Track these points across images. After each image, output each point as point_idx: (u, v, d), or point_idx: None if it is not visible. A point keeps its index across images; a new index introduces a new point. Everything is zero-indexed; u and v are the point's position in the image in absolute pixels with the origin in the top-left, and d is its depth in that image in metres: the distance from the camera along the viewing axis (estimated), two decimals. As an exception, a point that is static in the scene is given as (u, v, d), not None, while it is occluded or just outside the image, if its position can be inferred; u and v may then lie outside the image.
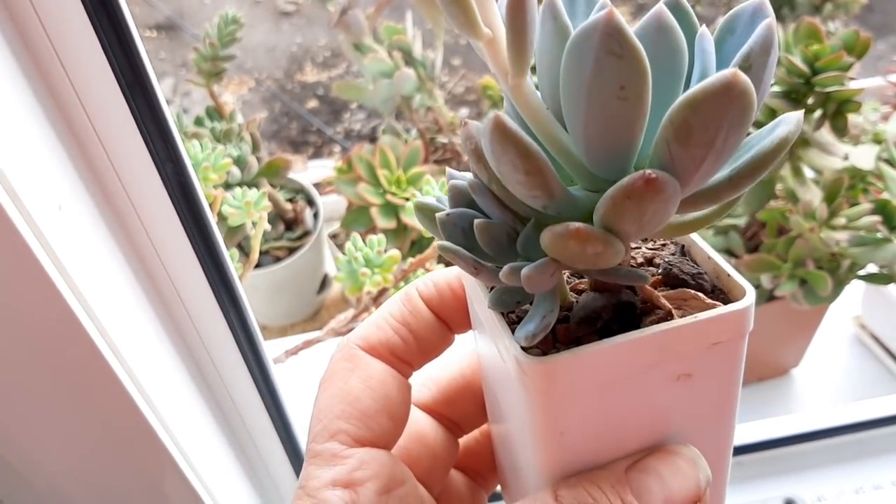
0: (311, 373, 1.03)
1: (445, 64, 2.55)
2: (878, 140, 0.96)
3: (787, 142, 0.28)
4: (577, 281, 0.36)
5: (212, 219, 0.53)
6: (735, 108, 0.25)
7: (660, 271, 0.36)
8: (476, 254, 0.32)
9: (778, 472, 0.87)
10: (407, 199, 1.23)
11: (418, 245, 1.24)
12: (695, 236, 0.36)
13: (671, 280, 0.35)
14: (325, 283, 1.43)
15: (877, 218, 0.86)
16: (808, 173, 0.93)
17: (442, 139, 1.34)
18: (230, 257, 0.88)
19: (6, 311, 0.40)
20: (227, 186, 1.17)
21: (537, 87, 0.31)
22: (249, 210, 0.88)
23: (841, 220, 0.86)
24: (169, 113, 0.47)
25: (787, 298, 0.91)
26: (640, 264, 0.37)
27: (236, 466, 0.69)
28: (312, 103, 2.60)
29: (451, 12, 0.28)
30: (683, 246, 0.37)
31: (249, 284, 1.23)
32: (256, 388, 0.66)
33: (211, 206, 0.88)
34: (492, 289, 0.34)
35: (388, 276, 0.80)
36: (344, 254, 1.30)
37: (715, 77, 0.25)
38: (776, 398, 1.09)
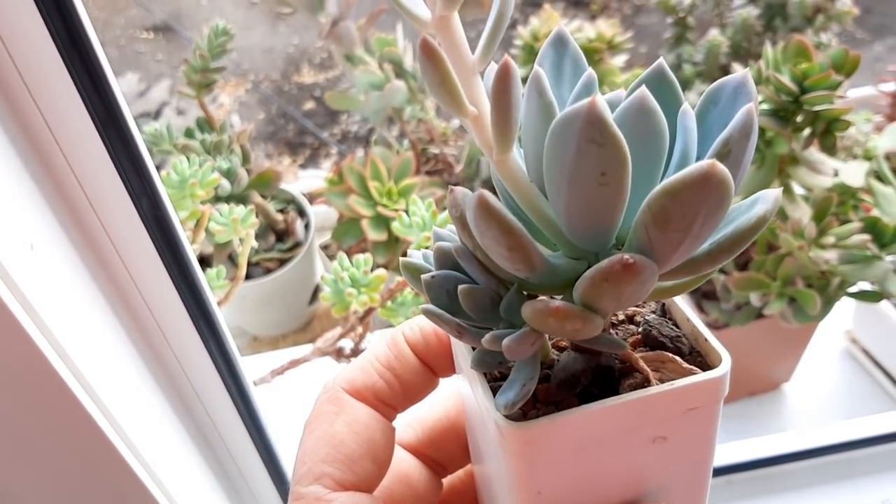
0: (297, 393, 1.03)
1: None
2: (868, 156, 0.96)
3: (765, 220, 0.29)
4: (559, 338, 0.37)
5: (189, 250, 0.53)
6: (713, 196, 0.26)
7: (639, 330, 0.36)
8: (460, 315, 0.33)
9: (768, 492, 0.87)
10: (398, 211, 1.22)
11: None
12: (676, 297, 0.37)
13: (650, 341, 0.36)
14: (316, 293, 1.42)
15: (866, 237, 0.85)
16: (798, 189, 0.93)
17: (433, 150, 1.34)
18: (217, 274, 0.88)
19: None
20: (218, 199, 1.17)
21: (523, 155, 0.32)
22: (236, 227, 0.88)
23: (830, 239, 0.85)
24: (144, 148, 0.47)
25: (776, 317, 0.90)
26: (622, 321, 0.37)
27: (220, 492, 0.68)
28: (309, 105, 2.60)
29: (438, 93, 0.28)
30: (664, 304, 0.38)
31: (240, 296, 1.23)
32: (238, 414, 0.66)
33: (198, 222, 0.88)
34: (475, 347, 0.34)
35: (375, 295, 0.80)
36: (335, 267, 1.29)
37: (693, 167, 0.25)
38: (768, 413, 1.09)
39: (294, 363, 0.83)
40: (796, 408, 1.09)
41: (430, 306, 0.34)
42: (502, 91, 0.28)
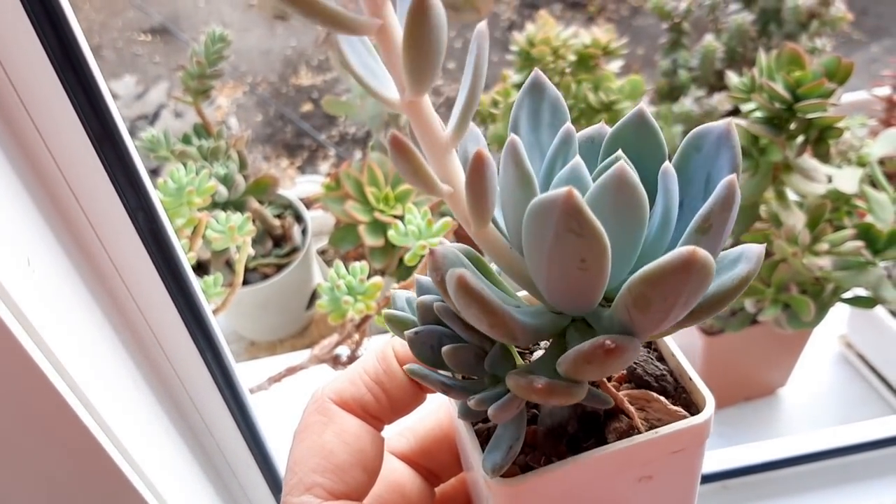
0: (294, 400, 1.03)
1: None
2: (862, 163, 0.97)
3: (748, 280, 0.30)
4: None
5: (185, 261, 0.53)
6: (693, 282, 0.26)
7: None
8: (445, 368, 0.34)
9: (764, 497, 0.87)
10: (395, 217, 1.23)
11: (405, 266, 1.24)
12: None
13: (635, 378, 0.37)
14: (313, 298, 1.43)
15: (859, 243, 0.86)
16: (792, 195, 0.93)
17: (430, 155, 1.34)
18: (215, 281, 0.89)
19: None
20: (215, 205, 1.17)
21: (502, 216, 0.33)
22: (233, 235, 0.88)
23: (824, 246, 0.86)
24: (140, 162, 0.47)
25: (771, 323, 0.91)
26: None
27: (216, 501, 0.69)
28: (307, 107, 2.60)
29: (412, 182, 0.29)
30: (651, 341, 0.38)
31: (238, 301, 1.23)
32: (234, 422, 0.66)
33: (195, 230, 0.88)
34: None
35: (371, 303, 0.80)
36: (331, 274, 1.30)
37: (674, 255, 0.26)
38: (763, 418, 1.09)
39: (291, 370, 0.84)
40: (792, 412, 1.10)
41: (414, 366, 0.35)
42: (476, 181, 0.28)
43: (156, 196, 0.49)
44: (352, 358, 0.84)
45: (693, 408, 0.35)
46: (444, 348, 0.33)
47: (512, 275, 0.32)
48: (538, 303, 0.33)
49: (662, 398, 0.35)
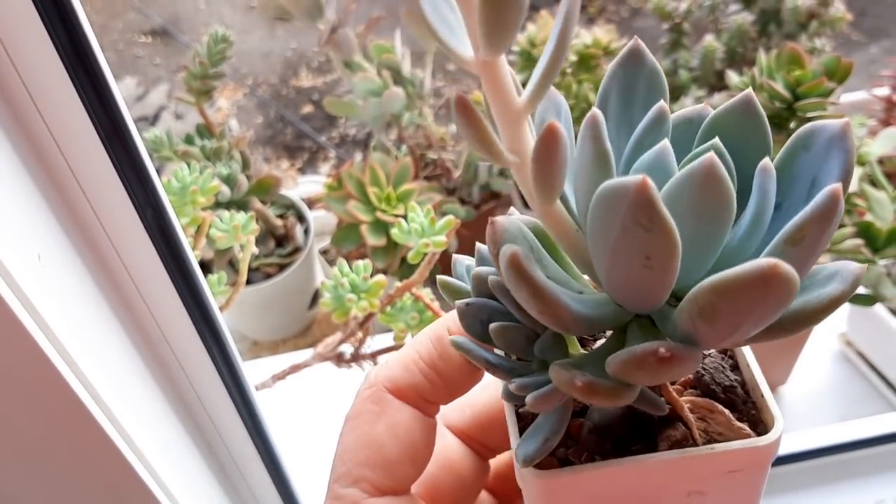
0: (298, 397, 1.04)
1: (440, 69, 2.56)
2: (861, 161, 0.97)
3: (839, 301, 0.27)
4: None
5: (192, 258, 0.54)
6: (770, 300, 0.24)
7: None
8: (493, 343, 0.32)
9: (765, 493, 0.88)
10: (397, 217, 1.23)
11: (407, 262, 1.25)
12: None
13: (702, 386, 0.34)
14: (316, 298, 1.43)
15: (859, 241, 0.86)
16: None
17: (432, 155, 1.35)
18: (219, 280, 0.89)
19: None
20: (218, 205, 1.18)
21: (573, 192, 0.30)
22: (237, 233, 0.89)
23: (824, 244, 0.86)
24: (148, 159, 0.48)
25: (771, 320, 0.91)
26: None
27: (222, 497, 0.69)
28: (308, 108, 2.60)
29: (474, 145, 0.27)
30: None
31: (240, 301, 1.24)
32: (240, 418, 0.67)
33: (199, 229, 0.89)
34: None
35: (375, 301, 0.81)
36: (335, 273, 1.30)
37: (751, 266, 0.23)
38: (763, 416, 1.10)
39: (295, 368, 0.84)
40: (792, 410, 1.10)
41: (460, 339, 0.33)
42: (544, 154, 0.26)
43: (164, 193, 0.49)
44: (356, 356, 0.84)
45: (760, 426, 0.32)
46: (493, 326, 0.31)
47: (575, 259, 0.30)
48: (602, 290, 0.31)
49: (727, 411, 0.32)
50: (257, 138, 2.48)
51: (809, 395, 1.12)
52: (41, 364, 0.41)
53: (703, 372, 0.34)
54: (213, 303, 0.58)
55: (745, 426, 0.32)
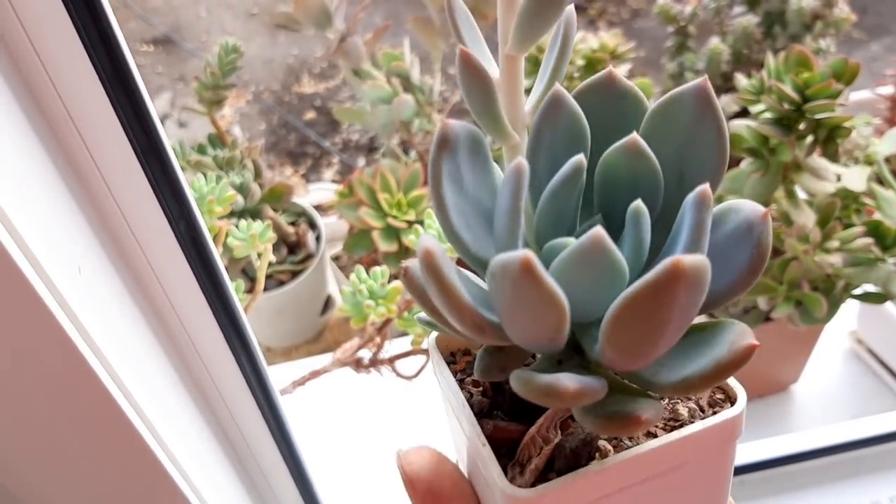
0: (318, 403, 1.05)
1: (444, 74, 2.57)
2: (869, 161, 0.98)
3: (745, 357, 0.29)
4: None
5: (223, 269, 0.55)
6: (662, 308, 0.26)
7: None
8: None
9: (778, 491, 0.89)
10: (408, 223, 1.24)
11: (420, 268, 1.26)
12: None
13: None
14: (328, 304, 1.44)
15: (869, 240, 0.87)
16: (802, 194, 0.95)
17: (441, 161, 1.35)
18: (236, 288, 0.90)
19: (29, 375, 0.42)
20: (231, 214, 1.19)
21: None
22: (255, 242, 0.90)
23: (834, 243, 0.87)
24: (181, 173, 0.49)
25: (784, 320, 0.92)
26: None
27: (247, 499, 0.70)
28: (310, 114, 2.62)
29: (480, 116, 0.30)
30: None
31: (254, 308, 1.25)
32: (265, 421, 0.68)
33: (215, 237, 0.90)
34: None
35: (392, 306, 0.82)
36: (347, 276, 1.31)
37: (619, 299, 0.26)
38: (777, 414, 1.11)
39: (315, 374, 0.85)
40: (804, 408, 1.11)
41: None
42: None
43: (195, 205, 0.51)
44: (374, 361, 0.86)
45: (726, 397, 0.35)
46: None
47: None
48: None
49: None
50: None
51: (821, 392, 1.13)
52: (83, 372, 0.42)
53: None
54: (241, 310, 0.59)
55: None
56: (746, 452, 0.90)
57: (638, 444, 0.33)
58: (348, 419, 1.12)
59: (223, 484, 0.63)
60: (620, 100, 0.32)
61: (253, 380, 0.62)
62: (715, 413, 0.34)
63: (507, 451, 0.35)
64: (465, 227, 0.31)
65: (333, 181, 2.30)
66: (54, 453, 0.48)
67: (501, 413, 0.36)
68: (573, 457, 0.33)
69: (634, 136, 0.30)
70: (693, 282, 0.25)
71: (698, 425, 0.32)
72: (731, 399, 0.35)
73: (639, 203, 0.29)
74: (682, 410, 0.35)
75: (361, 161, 2.40)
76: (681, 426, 0.34)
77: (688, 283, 0.25)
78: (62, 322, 0.40)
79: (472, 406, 0.36)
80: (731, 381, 0.35)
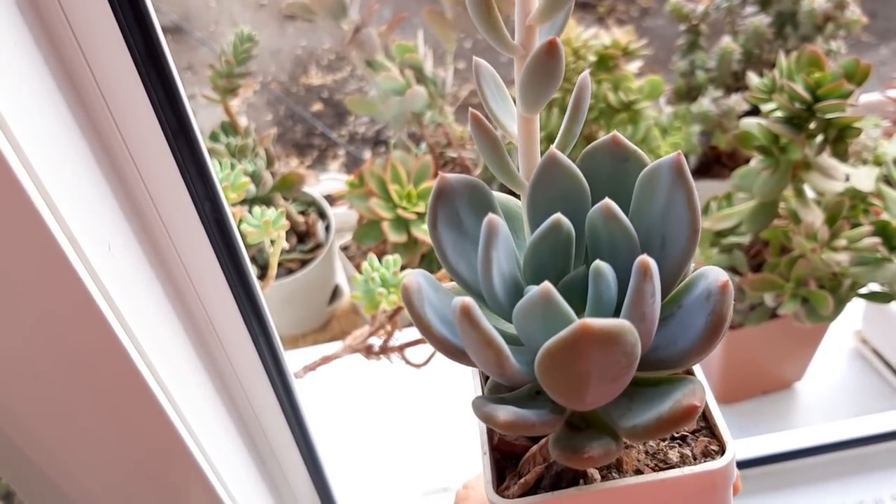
0: (329, 388, 1.06)
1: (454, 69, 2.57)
2: (878, 162, 0.99)
3: (690, 415, 0.32)
4: None
5: (244, 251, 0.56)
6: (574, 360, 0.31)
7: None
8: None
9: (781, 487, 0.90)
10: (417, 214, 1.25)
11: (428, 259, 1.27)
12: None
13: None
14: (335, 293, 1.45)
15: (877, 240, 0.88)
16: (810, 193, 0.96)
17: (451, 153, 1.37)
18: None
19: (60, 344, 0.43)
20: (243, 202, 1.20)
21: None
22: (268, 229, 0.91)
23: (842, 242, 0.88)
24: (207, 155, 0.50)
25: (790, 317, 0.93)
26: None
27: (259, 480, 0.71)
28: (317, 106, 2.62)
29: (490, 158, 0.36)
30: None
31: (265, 294, 1.26)
32: (279, 404, 0.69)
33: (230, 224, 0.91)
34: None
35: (404, 295, 0.83)
36: (356, 266, 1.32)
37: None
38: (780, 411, 1.12)
39: (326, 359, 0.86)
40: (808, 406, 1.12)
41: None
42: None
43: (220, 187, 0.52)
44: (384, 348, 0.87)
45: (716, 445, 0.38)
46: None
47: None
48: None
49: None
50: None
51: (825, 391, 1.14)
52: (109, 342, 0.43)
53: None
54: (261, 293, 0.60)
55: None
56: (749, 448, 0.91)
57: (623, 477, 0.37)
58: (358, 405, 1.13)
59: (235, 461, 0.64)
60: (624, 162, 0.36)
61: (269, 361, 0.63)
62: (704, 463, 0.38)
63: (514, 463, 0.39)
64: (462, 263, 0.37)
65: (343, 170, 2.31)
66: (75, 418, 0.49)
67: None
68: (557, 478, 0.37)
69: (607, 201, 0.34)
70: (604, 342, 0.29)
71: (676, 471, 0.36)
72: (723, 452, 0.38)
73: (597, 264, 0.33)
74: (673, 456, 0.38)
75: (367, 154, 2.41)
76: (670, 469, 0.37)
77: (598, 342, 0.29)
78: (93, 294, 0.41)
79: None
80: (726, 436, 0.38)
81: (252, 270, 0.91)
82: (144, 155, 0.48)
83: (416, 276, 0.35)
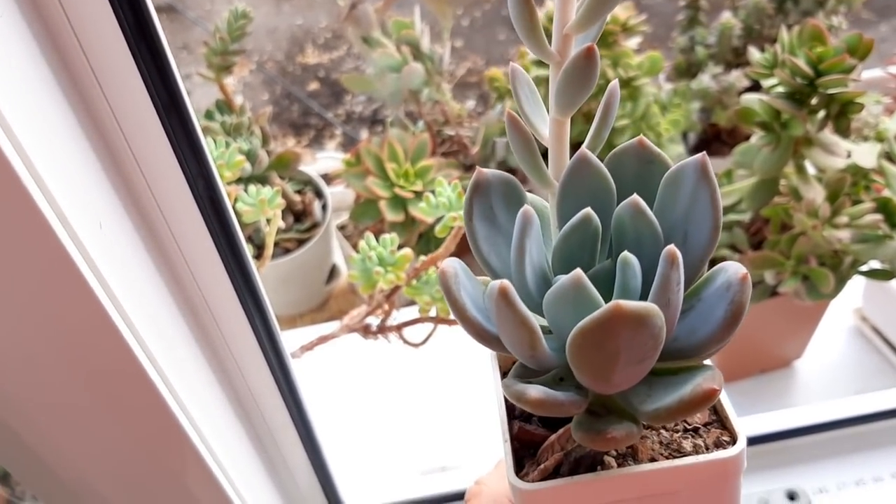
0: (326, 368, 1.05)
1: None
2: (880, 138, 0.98)
3: (710, 397, 0.34)
4: None
5: (239, 230, 0.55)
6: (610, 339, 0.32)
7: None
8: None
9: (780, 465, 0.89)
10: (415, 193, 1.24)
11: (426, 238, 1.26)
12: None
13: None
14: (333, 273, 1.45)
15: (878, 216, 0.87)
16: (811, 170, 0.95)
17: (449, 131, 1.36)
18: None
19: (52, 324, 0.42)
20: (238, 180, 1.19)
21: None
22: (264, 207, 0.90)
23: (843, 219, 0.88)
24: (200, 132, 0.49)
25: (790, 295, 0.93)
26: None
27: (256, 460, 0.71)
28: (314, 85, 2.61)
29: (525, 165, 0.38)
30: None
31: (261, 274, 1.26)
32: (276, 385, 0.68)
33: (225, 203, 0.90)
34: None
35: (401, 274, 0.82)
36: (353, 246, 1.32)
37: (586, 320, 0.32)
38: (780, 389, 1.11)
39: (323, 339, 0.86)
40: (807, 384, 1.12)
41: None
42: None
43: (214, 164, 0.51)
44: (381, 328, 0.86)
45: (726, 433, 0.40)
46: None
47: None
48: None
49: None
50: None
51: (824, 369, 1.13)
52: (105, 326, 0.43)
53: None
54: (256, 273, 0.59)
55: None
56: (748, 425, 0.91)
57: (639, 464, 0.39)
58: (355, 384, 1.13)
59: (232, 441, 0.64)
60: (649, 164, 0.38)
61: (266, 341, 0.62)
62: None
63: (532, 452, 0.41)
64: (494, 254, 0.39)
65: (341, 148, 2.30)
66: (68, 400, 0.48)
67: (537, 420, 0.42)
68: (576, 465, 0.39)
69: (634, 197, 0.36)
70: (634, 323, 0.31)
71: (689, 459, 0.38)
72: (734, 442, 0.40)
73: (625, 254, 0.35)
74: (687, 446, 0.40)
75: (364, 133, 2.40)
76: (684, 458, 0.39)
77: (628, 323, 0.30)
78: (84, 272, 0.40)
79: (513, 410, 0.43)
80: (737, 428, 0.40)
81: (248, 250, 0.90)
82: (136, 131, 0.47)
83: (453, 263, 0.37)
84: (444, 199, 0.79)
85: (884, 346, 1.13)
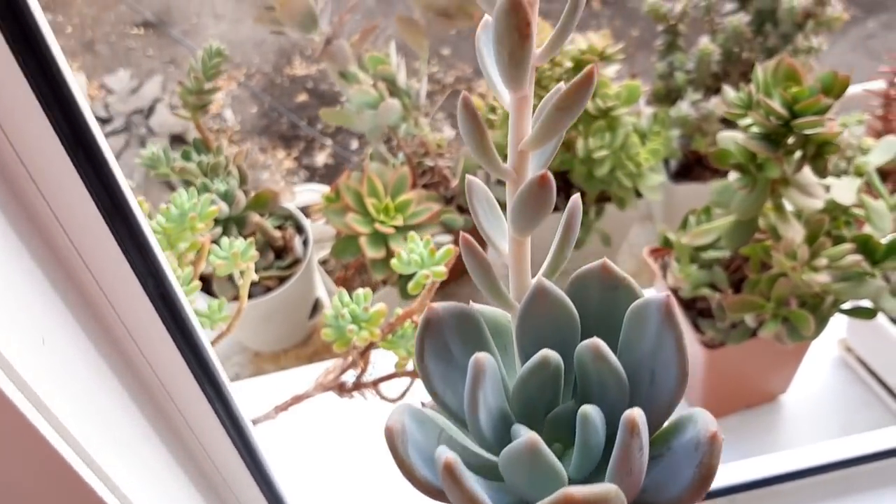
0: (299, 428, 1.04)
1: (434, 54, 2.55)
2: (859, 172, 0.97)
3: None
4: None
5: (197, 325, 0.54)
6: None
7: None
8: None
9: (765, 511, 0.89)
10: (395, 228, 1.23)
11: (406, 276, 1.25)
12: None
13: None
14: (316, 307, 1.43)
15: (858, 257, 0.86)
16: (790, 207, 0.94)
17: (429, 162, 1.34)
18: (219, 307, 0.89)
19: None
20: (216, 221, 1.18)
21: None
22: (237, 261, 0.89)
23: (822, 261, 0.86)
24: (149, 230, 0.48)
25: (771, 338, 0.92)
26: None
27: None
28: (302, 97, 2.60)
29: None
30: None
31: (236, 325, 1.25)
32: (241, 458, 0.67)
33: (199, 253, 0.89)
34: None
35: (375, 330, 0.81)
36: (335, 281, 1.30)
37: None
38: (765, 425, 1.10)
39: (297, 399, 0.85)
40: (793, 418, 1.11)
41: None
42: None
43: (164, 260, 0.49)
44: (357, 384, 0.85)
45: None
46: None
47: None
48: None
49: None
50: (252, 128, 2.48)
51: (810, 403, 1.12)
52: (46, 455, 0.42)
53: None
54: (216, 358, 0.58)
55: None
56: (735, 472, 0.90)
57: None
58: (331, 441, 1.11)
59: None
60: (613, 290, 0.37)
61: (225, 416, 0.61)
62: None
63: None
64: (450, 393, 0.38)
65: (326, 165, 2.29)
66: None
67: None
68: None
69: (595, 340, 0.34)
70: None
71: None
72: None
73: (584, 409, 0.34)
74: None
75: (354, 144, 2.39)
76: None
77: None
78: (18, 403, 0.39)
79: None
80: None
81: (225, 304, 0.89)
82: (81, 236, 0.45)
83: (399, 416, 0.36)
84: (417, 255, 0.78)
85: (868, 377, 1.12)
